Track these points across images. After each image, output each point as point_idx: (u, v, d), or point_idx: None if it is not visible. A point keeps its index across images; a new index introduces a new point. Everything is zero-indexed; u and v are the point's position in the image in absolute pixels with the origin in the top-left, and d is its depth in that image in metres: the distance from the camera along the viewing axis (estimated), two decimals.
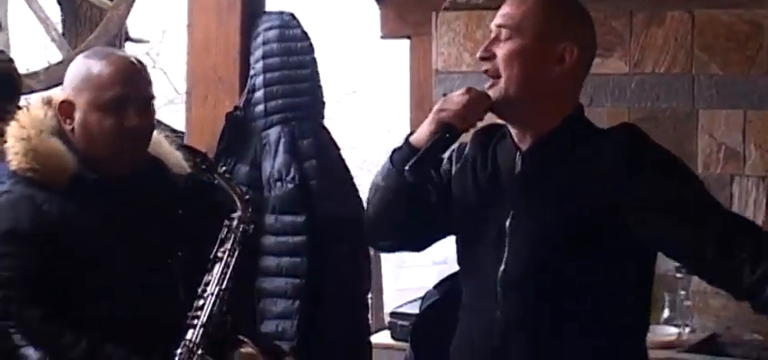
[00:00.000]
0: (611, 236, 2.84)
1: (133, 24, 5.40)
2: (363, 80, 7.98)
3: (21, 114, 3.51)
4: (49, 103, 3.52)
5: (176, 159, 3.65)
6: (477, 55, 2.99)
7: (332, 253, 4.51)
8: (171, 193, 3.55)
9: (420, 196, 3.01)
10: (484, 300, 2.93)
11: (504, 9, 2.93)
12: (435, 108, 2.93)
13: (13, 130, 3.44)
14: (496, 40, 2.89)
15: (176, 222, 3.52)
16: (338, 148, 4.78)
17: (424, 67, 6.08)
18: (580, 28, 2.98)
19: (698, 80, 5.58)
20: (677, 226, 2.84)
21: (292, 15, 4.75)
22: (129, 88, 3.33)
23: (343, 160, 4.82)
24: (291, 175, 4.50)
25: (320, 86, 4.72)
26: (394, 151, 2.99)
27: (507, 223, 2.88)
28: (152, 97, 3.44)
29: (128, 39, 5.44)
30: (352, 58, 6.97)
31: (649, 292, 3.08)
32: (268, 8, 4.96)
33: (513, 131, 2.95)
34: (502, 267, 2.86)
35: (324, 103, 4.75)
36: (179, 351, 3.27)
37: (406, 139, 2.97)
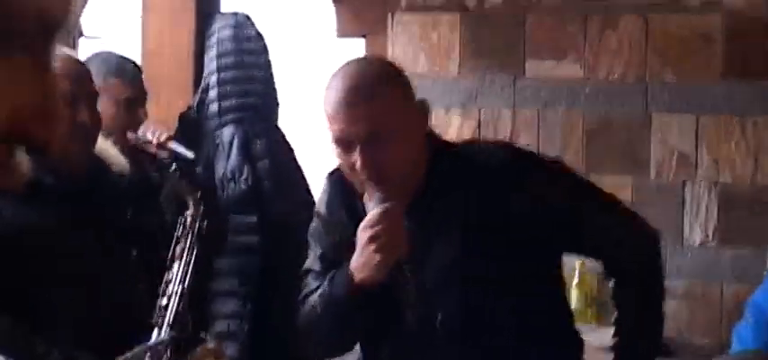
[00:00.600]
0: (514, 251, 3.00)
1: (87, 20, 5.31)
2: (318, 80, 7.93)
3: None
4: None
5: (117, 159, 3.66)
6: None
7: (283, 253, 4.52)
8: (117, 193, 3.55)
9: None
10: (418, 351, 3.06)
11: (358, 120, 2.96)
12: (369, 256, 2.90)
13: None
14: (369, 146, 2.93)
15: (127, 222, 3.52)
16: (292, 149, 4.82)
17: None
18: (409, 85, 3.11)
19: (651, 86, 5.61)
20: (575, 235, 3.15)
21: (247, 16, 4.78)
22: (77, 85, 3.32)
23: (296, 161, 4.86)
24: (244, 175, 4.53)
25: (275, 87, 4.74)
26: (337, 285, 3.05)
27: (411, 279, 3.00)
28: (98, 94, 3.44)
29: (81, 35, 5.38)
30: (307, 57, 6.90)
31: (562, 287, 3.36)
32: (223, 9, 5.01)
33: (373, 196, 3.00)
34: (439, 318, 2.98)
35: (278, 104, 4.77)
36: (148, 354, 3.27)
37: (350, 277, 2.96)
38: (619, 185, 5.42)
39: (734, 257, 5.51)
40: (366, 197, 2.97)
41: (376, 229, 2.86)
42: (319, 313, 3.06)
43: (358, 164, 2.91)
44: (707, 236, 5.60)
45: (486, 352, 3.04)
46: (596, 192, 3.26)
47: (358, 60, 3.54)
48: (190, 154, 3.96)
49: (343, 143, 2.92)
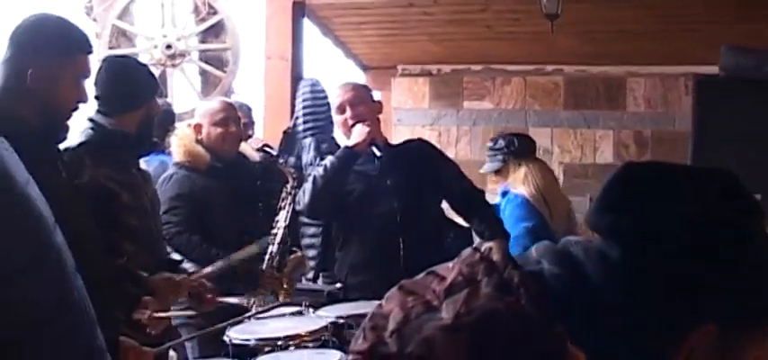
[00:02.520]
0: (434, 196, 4.35)
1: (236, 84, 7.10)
2: None
3: (177, 131, 4.68)
4: (189, 125, 4.66)
5: (251, 153, 4.84)
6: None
7: None
8: (251, 172, 4.66)
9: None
10: (384, 236, 4.15)
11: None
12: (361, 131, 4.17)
13: (174, 139, 4.60)
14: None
15: (256, 187, 4.64)
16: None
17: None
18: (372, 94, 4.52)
19: (528, 113, 9.02)
20: (459, 199, 4.40)
21: (318, 80, 6.08)
22: (229, 113, 4.57)
23: None
24: (317, 163, 5.02)
25: (331, 118, 5.59)
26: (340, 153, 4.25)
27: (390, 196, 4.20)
28: (239, 119, 4.61)
29: (232, 92, 7.08)
30: None
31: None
32: (305, 76, 6.61)
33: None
34: (398, 218, 4.18)
35: (334, 126, 5.73)
36: (266, 257, 4.29)
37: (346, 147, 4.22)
38: None
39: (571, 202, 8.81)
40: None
41: (365, 119, 4.17)
42: (328, 168, 4.15)
43: (348, 116, 4.24)
44: None
45: (415, 236, 4.17)
46: (468, 180, 4.49)
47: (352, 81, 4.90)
48: (274, 152, 5.05)
49: (342, 108, 4.31)
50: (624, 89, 8.91)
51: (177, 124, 4.92)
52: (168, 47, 7.16)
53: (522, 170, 5.25)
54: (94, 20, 7.26)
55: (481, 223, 4.30)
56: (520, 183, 5.24)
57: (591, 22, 7.23)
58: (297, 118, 5.94)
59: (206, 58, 7.52)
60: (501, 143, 5.38)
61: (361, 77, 9.20)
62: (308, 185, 4.17)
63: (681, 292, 1.11)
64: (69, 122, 2.98)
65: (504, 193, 5.20)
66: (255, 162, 4.81)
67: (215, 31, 7.43)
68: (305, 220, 4.96)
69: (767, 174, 5.02)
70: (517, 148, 5.32)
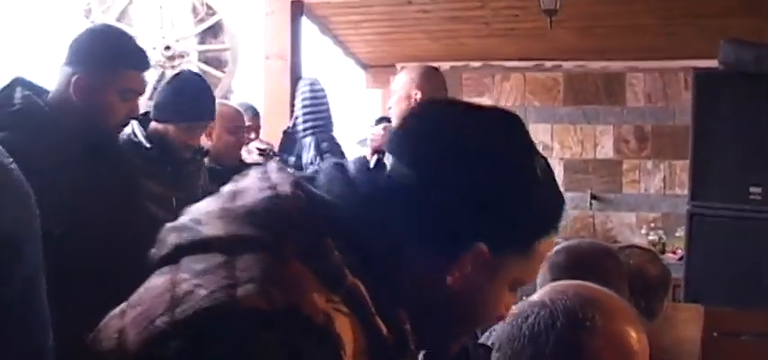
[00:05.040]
0: None
1: (234, 85, 7.17)
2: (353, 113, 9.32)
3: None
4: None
5: (247, 156, 5.17)
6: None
7: None
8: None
9: None
10: None
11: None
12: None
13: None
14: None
15: None
16: (341, 147, 6.43)
17: None
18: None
19: (528, 109, 9.14)
20: None
21: (317, 79, 6.27)
22: (242, 123, 4.80)
23: (344, 154, 6.33)
24: (318, 162, 5.54)
25: (331, 116, 6.31)
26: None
27: None
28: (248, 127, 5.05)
29: (232, 92, 7.19)
30: (347, 99, 9.11)
31: None
32: (303, 75, 6.87)
33: None
34: None
35: (333, 125, 6.35)
36: None
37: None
38: None
39: (571, 197, 8.94)
40: None
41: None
42: None
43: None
44: None
45: None
46: None
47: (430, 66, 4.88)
48: (267, 146, 5.51)
49: (408, 97, 4.25)
50: (624, 84, 8.99)
51: None
52: (167, 48, 7.16)
53: None
54: (93, 22, 7.03)
55: None
56: None
57: (589, 18, 7.27)
58: (296, 117, 6.04)
59: (205, 58, 7.47)
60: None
61: (360, 76, 9.33)
62: None
63: (459, 216, 1.28)
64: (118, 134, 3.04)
65: None
66: (256, 164, 4.78)
67: (213, 31, 7.39)
68: None
69: (767, 166, 5.06)
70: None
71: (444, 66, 9.01)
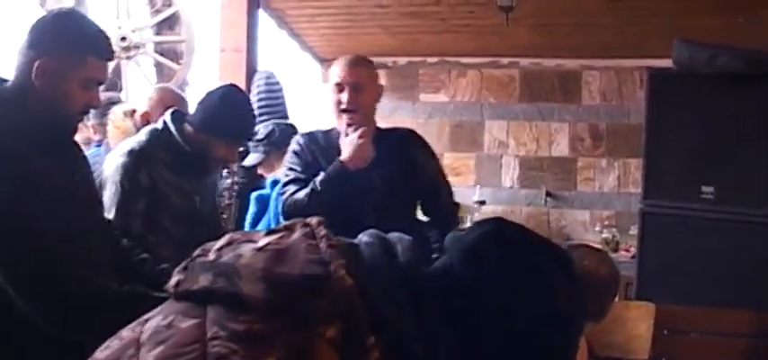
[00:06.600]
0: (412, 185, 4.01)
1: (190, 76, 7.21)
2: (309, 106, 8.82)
3: (115, 120, 4.70)
4: (127, 114, 4.67)
5: None
6: (343, 107, 3.83)
7: None
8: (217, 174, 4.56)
9: None
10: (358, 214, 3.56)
11: (350, 72, 3.85)
12: (351, 153, 3.77)
13: (113, 130, 4.67)
14: (354, 93, 3.82)
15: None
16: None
17: None
18: (377, 74, 4.06)
19: (484, 105, 9.14)
20: (429, 190, 4.08)
21: (272, 72, 6.11)
22: (183, 106, 4.36)
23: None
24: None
25: (286, 106, 5.99)
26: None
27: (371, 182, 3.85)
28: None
29: (187, 84, 7.20)
30: (301, 93, 8.87)
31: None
32: (259, 68, 6.47)
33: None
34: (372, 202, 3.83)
35: (288, 114, 6.04)
36: None
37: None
38: (466, 158, 8.79)
39: (526, 194, 8.99)
40: (341, 130, 3.88)
41: (363, 132, 3.78)
42: (319, 190, 3.78)
43: (344, 99, 3.82)
44: (512, 182, 9.07)
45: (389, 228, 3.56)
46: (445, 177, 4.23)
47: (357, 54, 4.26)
48: None
49: (339, 86, 3.87)
50: (579, 82, 9.02)
51: (113, 111, 4.80)
52: (123, 39, 7.15)
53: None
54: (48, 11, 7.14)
55: (433, 228, 4.00)
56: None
57: (546, 15, 7.27)
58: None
59: (161, 50, 7.54)
60: (262, 134, 5.22)
61: (316, 70, 9.27)
62: (299, 203, 3.82)
63: None
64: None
65: (274, 183, 4.80)
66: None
67: (170, 23, 7.47)
68: None
69: (718, 166, 5.13)
70: (278, 138, 5.13)
71: (400, 61, 9.23)
